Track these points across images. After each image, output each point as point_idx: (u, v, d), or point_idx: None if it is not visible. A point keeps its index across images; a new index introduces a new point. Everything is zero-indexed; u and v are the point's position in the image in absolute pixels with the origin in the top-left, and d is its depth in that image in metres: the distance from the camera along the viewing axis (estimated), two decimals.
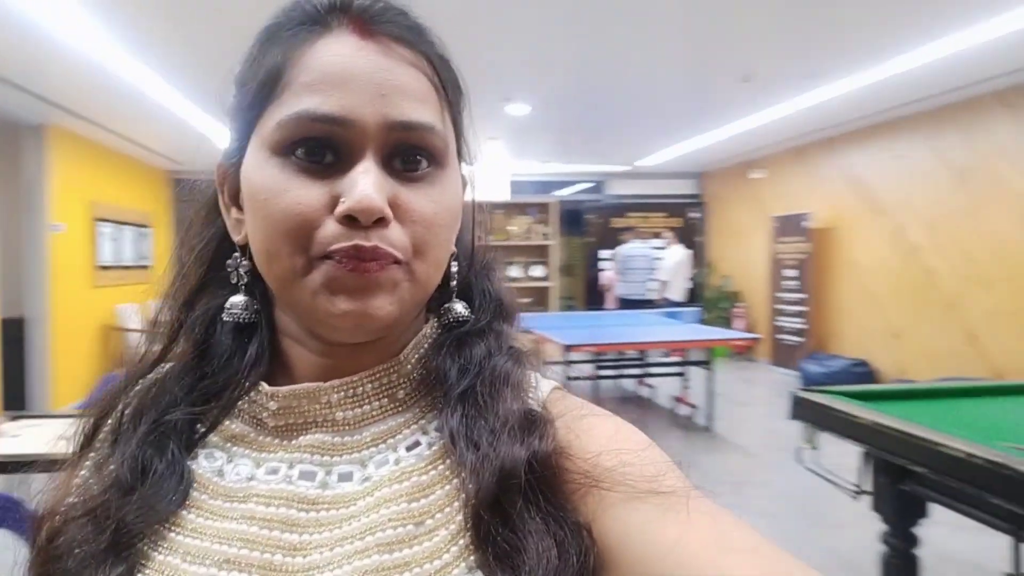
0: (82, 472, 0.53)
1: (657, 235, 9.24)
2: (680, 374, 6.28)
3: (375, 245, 0.45)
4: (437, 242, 0.49)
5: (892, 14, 4.10)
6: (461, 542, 0.44)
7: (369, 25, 0.47)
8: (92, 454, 0.54)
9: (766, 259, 8.74)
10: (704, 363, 5.84)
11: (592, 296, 10.43)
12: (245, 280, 0.53)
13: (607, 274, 9.49)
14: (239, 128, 0.51)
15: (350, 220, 0.45)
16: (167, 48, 4.41)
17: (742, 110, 6.47)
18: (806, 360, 7.42)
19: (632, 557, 0.41)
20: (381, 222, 0.45)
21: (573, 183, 10.94)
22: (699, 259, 10.05)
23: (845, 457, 2.53)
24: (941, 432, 1.96)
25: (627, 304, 8.40)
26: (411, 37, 0.48)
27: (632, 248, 8.69)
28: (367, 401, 0.51)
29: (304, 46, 0.47)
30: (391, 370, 0.52)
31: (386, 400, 0.52)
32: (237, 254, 0.54)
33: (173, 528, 0.48)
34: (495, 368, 0.51)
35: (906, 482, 2.30)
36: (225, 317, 0.54)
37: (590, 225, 10.69)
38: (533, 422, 0.48)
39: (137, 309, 7.47)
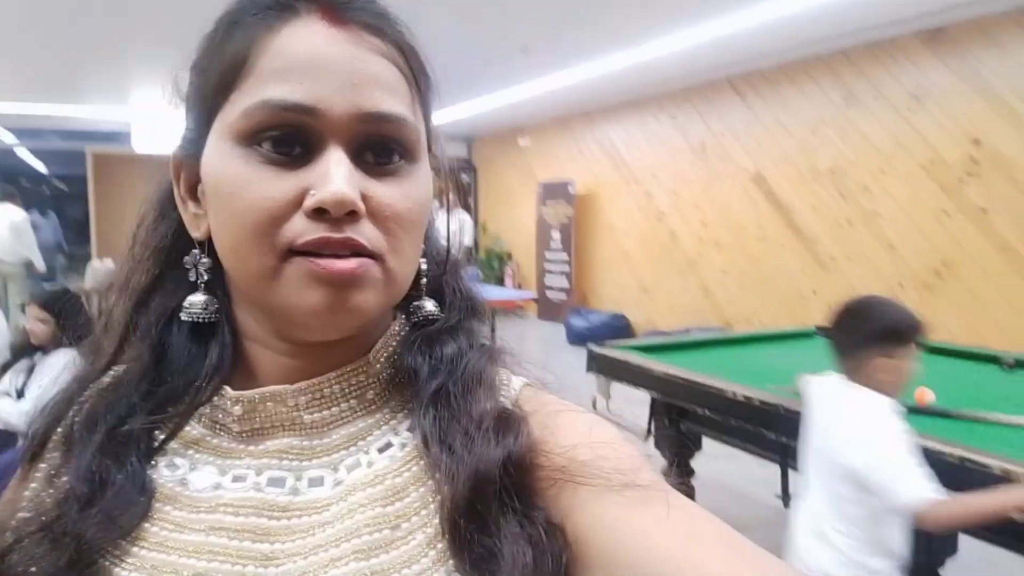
0: (32, 484, 0.49)
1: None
2: None
3: (346, 236, 0.43)
4: (410, 238, 0.47)
5: (649, 3, 4.58)
6: (439, 546, 0.43)
7: (339, 12, 0.45)
8: (42, 465, 0.50)
9: (534, 222, 9.30)
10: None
11: None
12: (205, 278, 0.51)
13: None
14: (198, 117, 0.48)
15: (320, 213, 0.42)
16: None
17: (516, 80, 6.77)
18: (570, 315, 8.08)
19: (605, 549, 0.41)
20: (353, 216, 0.43)
21: None
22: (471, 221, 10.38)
23: (630, 405, 2.87)
24: (722, 379, 2.32)
25: None
26: (382, 25, 0.46)
27: None
28: (335, 403, 0.50)
29: (271, 31, 0.44)
30: (359, 370, 0.50)
31: (355, 401, 0.50)
32: (196, 251, 0.51)
33: (136, 542, 0.45)
34: (467, 367, 0.50)
35: (684, 422, 2.69)
36: (183, 317, 0.50)
37: None
38: (507, 422, 0.47)
39: None
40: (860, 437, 1.57)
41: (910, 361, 1.63)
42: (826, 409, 1.72)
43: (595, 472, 0.43)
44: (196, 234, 0.50)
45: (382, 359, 0.51)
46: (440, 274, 0.56)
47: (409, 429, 0.49)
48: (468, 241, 8.86)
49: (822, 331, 3.41)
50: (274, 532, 0.45)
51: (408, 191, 0.46)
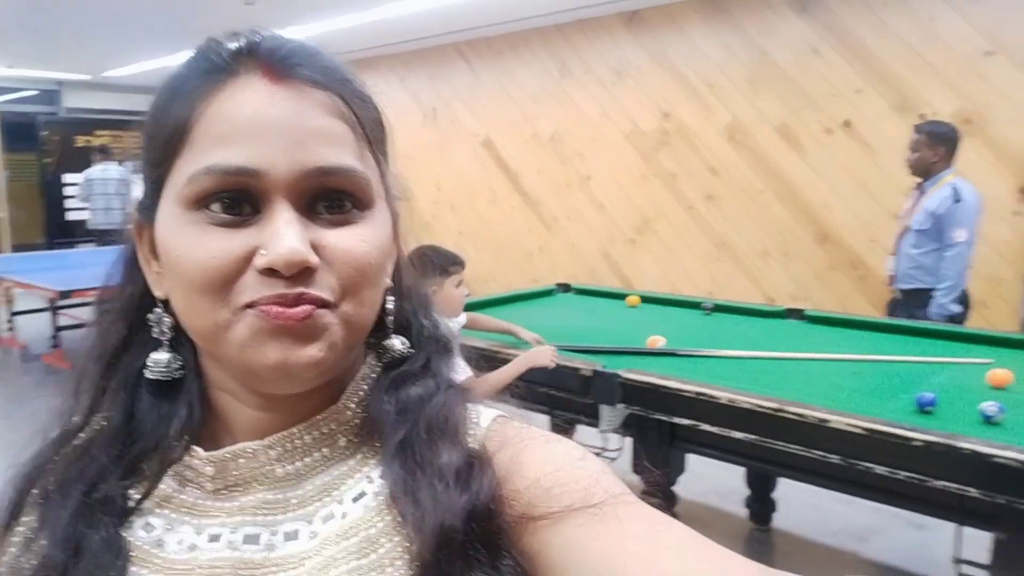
0: (11, 549, 0.49)
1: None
2: None
3: (300, 292, 0.43)
4: (369, 282, 0.47)
5: None
6: None
7: (280, 69, 0.45)
8: (20, 528, 0.50)
9: None
10: None
11: (58, 229, 8.94)
12: (168, 335, 0.51)
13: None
14: (149, 184, 0.48)
15: (272, 272, 0.43)
16: None
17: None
18: None
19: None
20: (307, 271, 0.43)
21: (15, 90, 8.98)
22: None
23: None
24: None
25: (101, 236, 7.47)
26: (324, 79, 0.46)
27: (102, 171, 7.65)
28: (308, 453, 0.50)
29: (211, 95, 0.44)
30: (330, 418, 0.50)
31: (327, 450, 0.50)
32: (159, 309, 0.50)
33: None
34: (433, 412, 0.50)
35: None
36: (148, 375, 0.51)
37: (47, 143, 9.00)
38: (471, 468, 0.47)
39: None
40: None
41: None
42: None
43: (551, 506, 0.44)
44: (159, 293, 0.50)
45: (352, 405, 0.51)
46: (408, 310, 0.56)
47: (382, 476, 0.49)
48: None
49: (561, 287, 3.78)
50: None
51: (364, 237, 0.46)
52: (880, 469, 1.65)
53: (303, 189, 0.44)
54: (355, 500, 0.48)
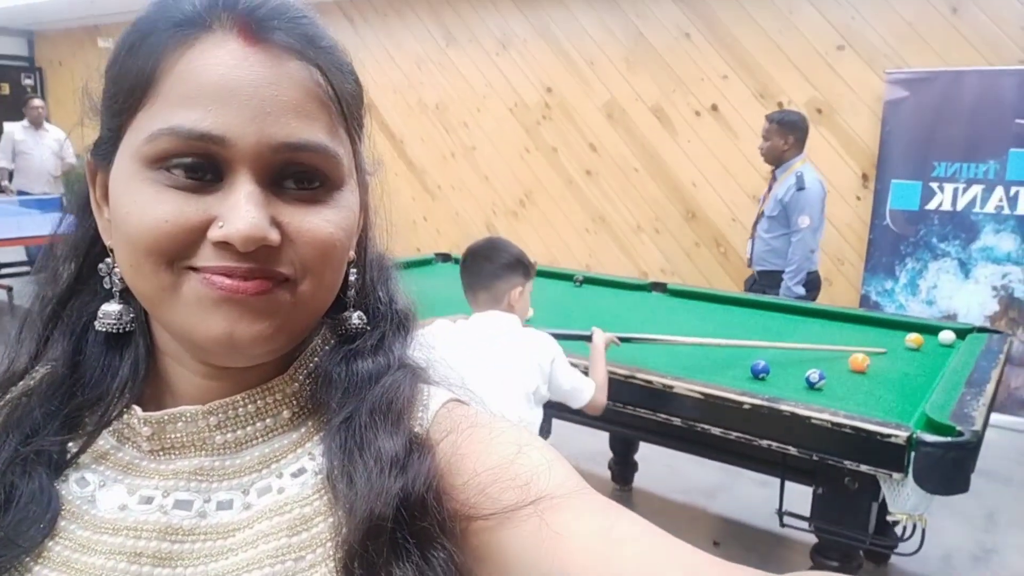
0: None
1: None
2: None
3: (251, 266, 0.41)
4: (331, 265, 0.45)
5: None
6: None
7: (258, 30, 0.42)
8: None
9: None
10: None
11: None
12: (119, 287, 0.48)
13: None
14: (108, 130, 0.46)
15: (227, 245, 0.41)
16: None
17: None
18: None
19: None
20: (265, 248, 0.41)
21: None
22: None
23: None
24: None
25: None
26: (302, 46, 0.43)
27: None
28: (249, 422, 0.48)
29: (180, 50, 0.42)
30: (276, 389, 0.48)
31: (270, 420, 0.48)
32: (110, 259, 0.48)
33: (39, 560, 0.44)
34: (382, 392, 0.48)
35: None
36: (97, 326, 0.48)
37: None
38: (411, 456, 0.45)
39: None
40: (536, 362, 1.82)
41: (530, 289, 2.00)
42: (494, 339, 1.87)
43: (491, 504, 0.43)
44: (109, 242, 0.47)
45: (300, 378, 0.49)
46: (369, 284, 0.54)
47: (323, 454, 0.47)
48: (71, 159, 7.22)
49: (440, 257, 3.81)
50: (175, 556, 0.44)
51: (328, 217, 0.44)
52: (715, 430, 1.82)
53: (269, 163, 0.42)
54: (294, 476, 0.47)
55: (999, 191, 3.98)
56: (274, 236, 0.41)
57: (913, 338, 2.43)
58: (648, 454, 3.13)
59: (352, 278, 0.51)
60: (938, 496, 1.59)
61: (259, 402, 0.48)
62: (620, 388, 1.95)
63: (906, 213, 4.24)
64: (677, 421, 1.87)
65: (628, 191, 5.36)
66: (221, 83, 0.41)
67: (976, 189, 4.04)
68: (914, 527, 1.79)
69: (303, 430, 0.49)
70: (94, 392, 0.48)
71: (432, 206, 6.33)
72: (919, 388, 1.98)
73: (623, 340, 2.13)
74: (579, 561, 0.39)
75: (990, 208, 4.01)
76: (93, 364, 0.49)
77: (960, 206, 4.09)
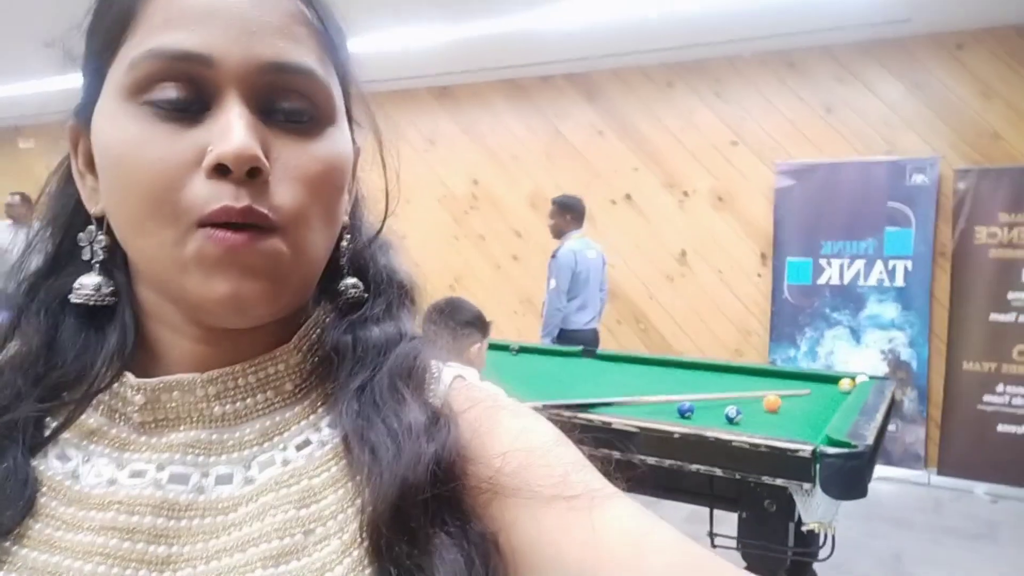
0: None
1: None
2: None
3: (247, 206, 0.39)
4: (324, 206, 0.43)
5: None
6: (355, 553, 0.40)
7: None
8: None
9: None
10: None
11: None
12: (101, 257, 0.46)
13: None
14: (89, 78, 0.45)
15: (221, 173, 0.39)
16: None
17: (23, 75, 5.89)
18: None
19: (544, 568, 0.39)
20: (256, 174, 0.40)
21: None
22: None
23: None
24: None
25: None
26: None
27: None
28: (250, 394, 0.45)
29: None
30: (278, 359, 0.46)
31: (272, 392, 0.46)
32: (92, 227, 0.46)
33: (20, 541, 0.41)
34: (395, 360, 0.47)
35: None
36: (73, 298, 0.46)
37: None
38: (436, 424, 0.44)
39: None
40: None
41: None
42: None
43: (523, 485, 0.41)
44: (93, 209, 0.46)
45: (304, 348, 0.47)
46: (363, 249, 0.52)
47: (331, 425, 0.46)
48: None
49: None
50: (173, 533, 0.41)
51: (323, 153, 0.43)
52: (651, 460, 2.03)
53: (257, 85, 0.41)
54: (299, 448, 0.45)
55: (879, 264, 4.51)
56: (265, 161, 0.40)
57: (846, 382, 2.80)
58: None
59: (345, 243, 0.50)
60: (843, 504, 1.84)
61: (261, 373, 0.46)
62: (561, 428, 2.14)
63: (801, 287, 4.72)
64: (616, 454, 2.08)
65: None
66: (204, 4, 0.40)
67: (859, 264, 4.56)
68: (825, 535, 2.02)
69: (307, 403, 0.47)
70: (76, 364, 0.46)
71: None
72: (822, 420, 2.26)
73: (546, 407, 2.28)
74: (609, 562, 0.38)
75: (872, 281, 4.53)
76: (71, 339, 0.46)
77: (847, 280, 4.59)
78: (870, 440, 1.90)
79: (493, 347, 3.68)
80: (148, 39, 0.40)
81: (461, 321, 2.12)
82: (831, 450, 1.82)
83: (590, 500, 0.41)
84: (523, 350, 3.58)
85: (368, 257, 0.52)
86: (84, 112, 0.45)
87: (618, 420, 2.09)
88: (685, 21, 4.37)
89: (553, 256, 4.24)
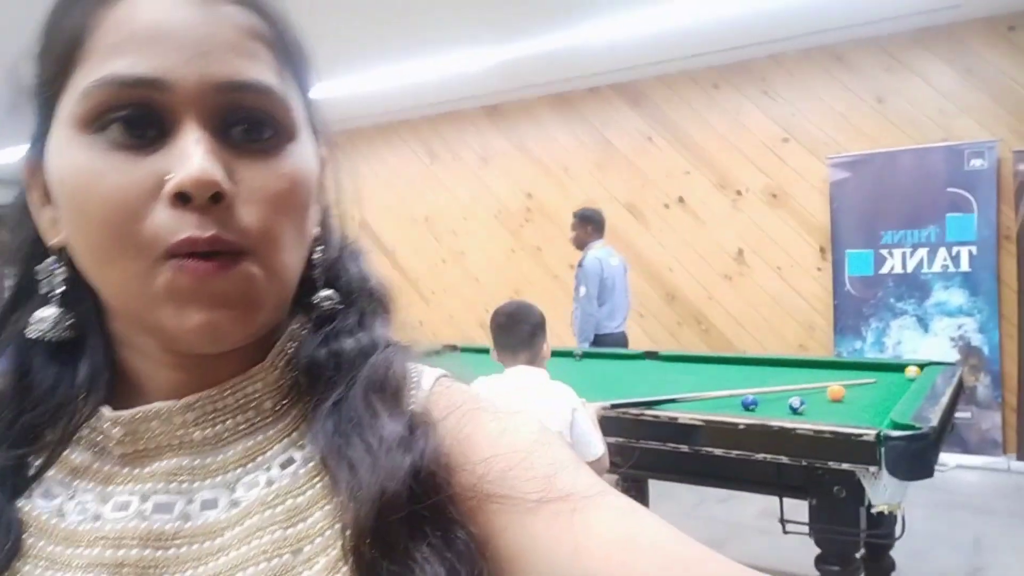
0: None
1: None
2: None
3: (213, 235, 0.38)
4: (293, 224, 0.43)
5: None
6: (344, 569, 0.40)
7: None
8: None
9: None
10: None
11: None
12: (61, 289, 0.45)
13: None
14: (40, 109, 0.43)
15: (182, 200, 0.38)
16: None
17: None
18: None
19: (536, 572, 0.39)
20: (220, 199, 0.39)
21: None
22: None
23: None
24: None
25: None
26: None
27: None
28: (229, 416, 0.45)
29: (109, 2, 0.40)
30: (255, 378, 0.46)
31: (252, 412, 0.45)
32: (50, 259, 0.45)
33: None
34: (371, 372, 0.46)
35: None
36: (28, 334, 0.45)
37: None
38: (414, 434, 0.43)
39: None
40: (562, 408, 2.11)
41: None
42: (528, 389, 2.18)
43: (508, 492, 0.41)
44: (53, 241, 0.44)
45: (280, 365, 0.47)
46: (335, 259, 0.51)
47: (312, 441, 0.45)
48: None
49: (448, 348, 4.13)
50: (161, 564, 0.41)
51: (286, 170, 0.42)
52: (717, 451, 2.12)
53: (214, 106, 0.40)
54: (283, 467, 0.44)
55: (942, 251, 4.46)
56: (227, 183, 0.39)
57: (912, 369, 2.80)
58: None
59: (316, 256, 0.49)
60: (923, 494, 1.89)
61: (239, 393, 0.45)
62: (630, 426, 2.25)
63: (863, 279, 4.69)
64: (684, 448, 2.17)
65: None
66: (153, 26, 0.39)
67: (922, 252, 4.52)
68: (895, 517, 2.07)
69: (287, 420, 0.46)
70: (50, 402, 0.45)
71: (427, 311, 6.69)
72: (887, 407, 2.30)
73: (614, 407, 2.36)
74: (601, 564, 0.37)
75: (936, 268, 4.48)
76: (42, 375, 0.46)
77: (910, 268, 4.55)
78: (935, 422, 1.95)
79: (556, 354, 3.80)
80: (99, 66, 0.39)
81: (534, 323, 2.25)
82: (895, 433, 1.88)
83: (577, 503, 0.40)
84: (586, 355, 3.69)
85: (339, 268, 0.52)
86: (37, 143, 0.44)
87: (684, 415, 2.18)
88: (728, 24, 4.44)
89: (579, 265, 4.44)
